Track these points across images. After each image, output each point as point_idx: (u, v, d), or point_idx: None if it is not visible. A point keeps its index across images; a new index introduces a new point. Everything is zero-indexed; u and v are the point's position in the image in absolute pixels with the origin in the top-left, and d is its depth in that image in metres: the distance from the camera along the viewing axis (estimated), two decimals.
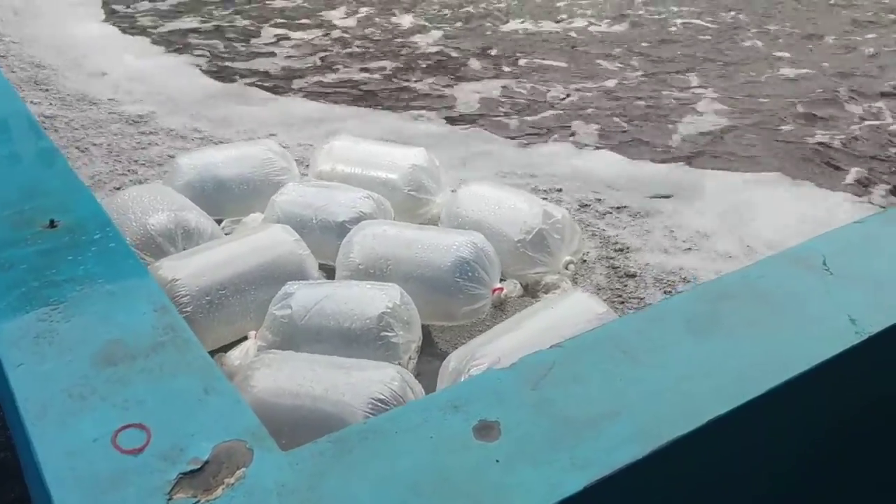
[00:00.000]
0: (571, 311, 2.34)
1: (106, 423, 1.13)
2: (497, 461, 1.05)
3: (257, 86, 5.07)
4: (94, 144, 4.15)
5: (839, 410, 1.39)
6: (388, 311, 2.33)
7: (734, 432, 1.17)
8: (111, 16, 6.66)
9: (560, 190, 3.64)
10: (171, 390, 1.20)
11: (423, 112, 4.64)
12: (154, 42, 5.95)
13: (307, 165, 3.57)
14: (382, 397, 2.04)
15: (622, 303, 2.86)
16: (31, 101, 4.63)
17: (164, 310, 1.39)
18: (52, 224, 1.65)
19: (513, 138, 4.28)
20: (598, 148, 4.15)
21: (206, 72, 5.33)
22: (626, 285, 2.96)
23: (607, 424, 1.11)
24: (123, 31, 6.23)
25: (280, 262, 2.58)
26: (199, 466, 1.06)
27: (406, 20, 6.53)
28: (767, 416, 1.21)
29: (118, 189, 3.57)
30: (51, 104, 4.68)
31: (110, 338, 1.31)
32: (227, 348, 2.48)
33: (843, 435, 1.43)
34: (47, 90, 4.91)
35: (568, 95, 4.87)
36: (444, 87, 5.05)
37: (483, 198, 2.96)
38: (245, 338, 2.47)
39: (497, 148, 4.17)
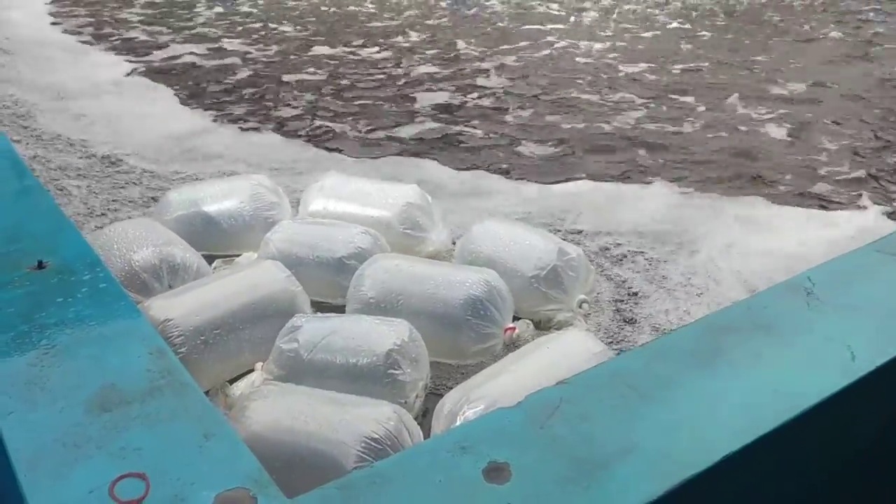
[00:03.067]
0: (567, 349, 2.32)
1: (102, 472, 1.09)
2: None
3: None
4: None
5: (850, 442, 1.38)
6: (396, 348, 2.31)
7: (746, 469, 1.15)
8: None
9: None
10: (170, 436, 1.17)
11: None
12: None
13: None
14: (376, 436, 2.01)
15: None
16: None
17: (160, 352, 1.36)
18: (39, 265, 1.61)
19: None
20: None
21: None
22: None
23: (619, 464, 1.09)
24: None
25: (273, 298, 2.55)
26: None
27: None
28: (778, 451, 1.20)
29: None
30: None
31: (104, 382, 1.27)
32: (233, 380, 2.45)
33: (854, 466, 1.42)
34: None
35: None
36: None
37: (497, 234, 2.94)
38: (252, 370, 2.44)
39: None
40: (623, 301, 3.07)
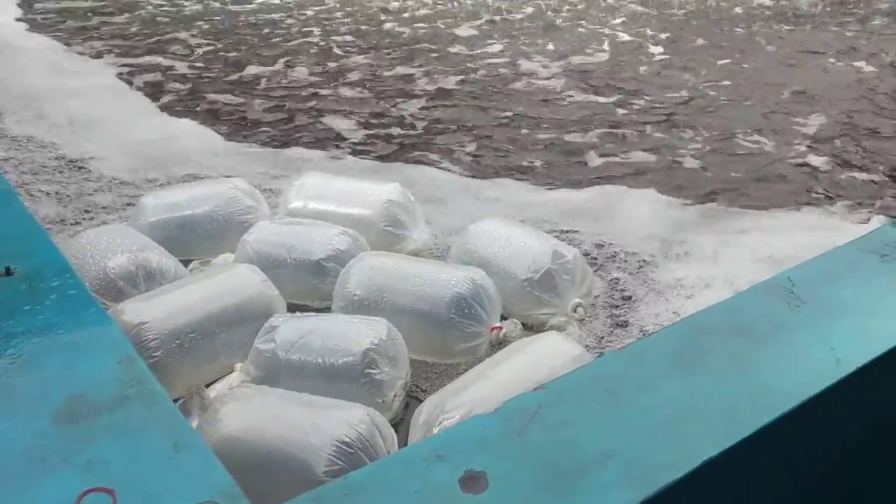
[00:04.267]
0: (545, 353, 2.30)
1: (68, 487, 1.06)
2: None
3: None
4: None
5: (832, 443, 1.37)
6: (374, 347, 2.28)
7: (728, 473, 1.14)
8: None
9: None
10: (139, 448, 1.14)
11: None
12: None
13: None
14: (348, 440, 1.99)
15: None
16: None
17: (130, 361, 1.33)
18: (7, 272, 1.57)
19: None
20: None
21: None
22: None
23: (598, 471, 1.08)
24: None
25: (249, 302, 2.52)
26: None
27: None
28: (760, 454, 1.18)
29: None
30: None
31: (72, 392, 1.24)
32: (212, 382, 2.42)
33: (837, 467, 1.41)
34: None
35: None
36: None
37: (493, 234, 2.90)
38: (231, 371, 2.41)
39: None
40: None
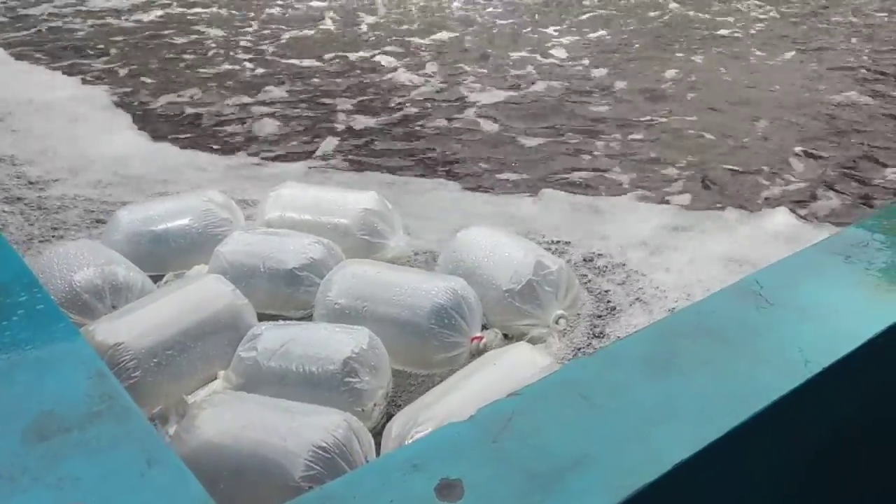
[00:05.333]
0: (515, 364, 2.31)
1: None
2: None
3: None
4: None
5: (802, 443, 1.40)
6: (354, 356, 2.29)
7: (700, 475, 1.15)
8: None
9: None
10: (111, 465, 1.12)
11: None
12: None
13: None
14: (324, 445, 1.99)
15: None
16: None
17: (100, 375, 1.31)
18: None
19: None
20: None
21: None
22: None
23: (573, 477, 1.08)
24: None
25: (221, 313, 2.52)
26: None
27: None
28: (731, 456, 1.20)
29: None
30: None
31: (41, 409, 1.22)
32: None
33: (808, 467, 1.43)
34: None
35: None
36: None
37: (479, 243, 2.89)
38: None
39: None
40: None
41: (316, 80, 5.70)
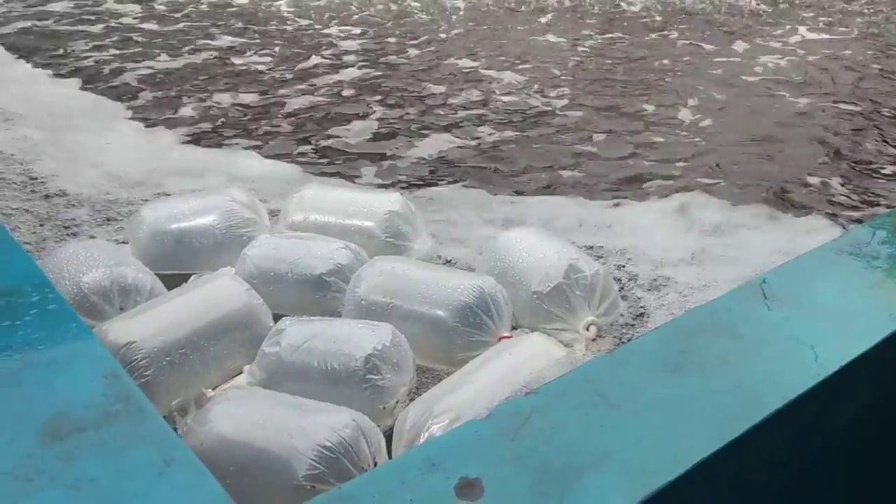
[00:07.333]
0: (529, 356, 2.30)
1: None
2: None
3: None
4: None
5: (819, 441, 1.39)
6: (376, 353, 2.28)
7: (719, 474, 1.15)
8: None
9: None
10: (127, 464, 1.12)
11: None
12: None
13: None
14: (329, 444, 1.99)
15: None
16: None
17: (115, 376, 1.30)
18: None
19: None
20: None
21: None
22: None
23: (593, 475, 1.08)
24: None
25: (235, 313, 2.52)
26: None
27: None
28: (749, 454, 1.20)
29: None
30: None
31: (56, 410, 1.22)
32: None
33: (824, 465, 1.43)
34: None
35: None
36: None
37: (518, 243, 2.87)
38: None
39: None
40: None
41: None
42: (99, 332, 2.35)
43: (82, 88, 5.48)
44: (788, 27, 6.99)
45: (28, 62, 5.98)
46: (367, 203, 3.16)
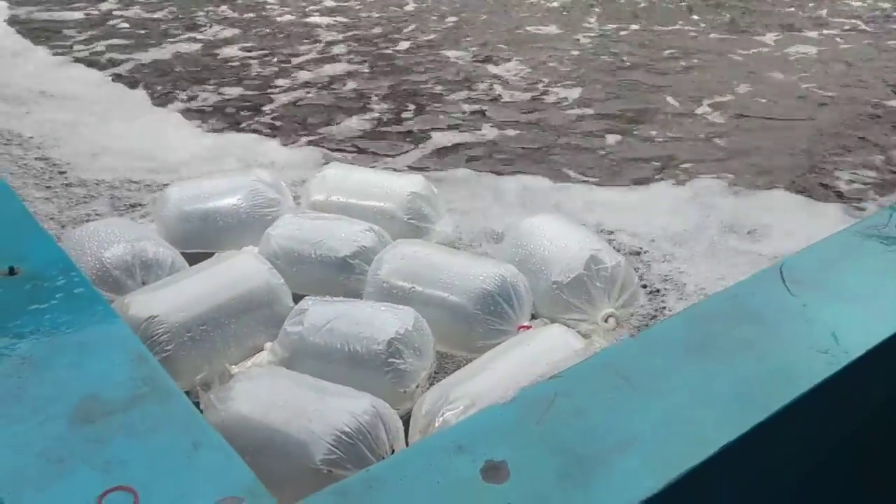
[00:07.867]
0: (547, 346, 2.28)
1: (88, 487, 1.06)
2: None
3: None
4: None
5: (844, 425, 1.39)
6: (399, 336, 2.28)
7: (744, 458, 1.16)
8: None
9: None
10: (157, 447, 1.14)
11: None
12: None
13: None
14: (347, 430, 1.99)
15: None
16: None
17: (142, 358, 1.32)
18: (11, 271, 1.56)
19: None
20: None
21: None
22: None
23: (617, 459, 1.09)
24: None
25: (256, 291, 2.52)
26: None
27: None
28: (774, 438, 1.20)
29: None
30: None
31: (86, 393, 1.23)
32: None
33: (848, 449, 1.43)
34: None
35: None
36: None
37: (540, 231, 2.83)
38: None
39: None
40: None
41: None
42: (120, 306, 2.36)
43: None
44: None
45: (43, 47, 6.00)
46: (389, 184, 3.14)
